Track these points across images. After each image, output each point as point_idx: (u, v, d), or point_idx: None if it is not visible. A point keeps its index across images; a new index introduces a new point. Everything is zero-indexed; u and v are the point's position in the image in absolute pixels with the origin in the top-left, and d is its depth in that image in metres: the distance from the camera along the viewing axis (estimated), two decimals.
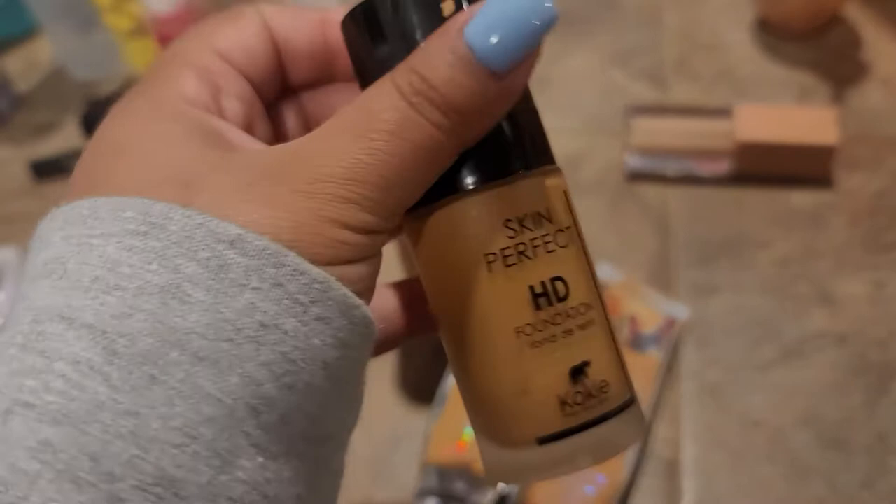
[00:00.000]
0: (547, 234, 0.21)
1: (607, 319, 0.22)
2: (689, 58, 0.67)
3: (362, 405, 0.22)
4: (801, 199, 0.56)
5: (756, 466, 0.43)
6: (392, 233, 0.20)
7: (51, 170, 0.64)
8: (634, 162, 0.58)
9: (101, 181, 0.19)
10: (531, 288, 0.21)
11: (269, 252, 0.17)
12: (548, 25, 0.19)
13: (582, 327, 0.21)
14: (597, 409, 0.21)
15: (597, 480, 0.41)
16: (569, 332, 0.21)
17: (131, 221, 0.17)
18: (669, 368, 0.47)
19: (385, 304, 0.25)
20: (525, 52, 0.19)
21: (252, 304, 0.17)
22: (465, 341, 0.22)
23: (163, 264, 0.17)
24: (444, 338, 0.23)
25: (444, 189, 0.21)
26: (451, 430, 0.43)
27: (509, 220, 0.21)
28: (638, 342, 0.47)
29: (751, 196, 0.56)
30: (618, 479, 0.41)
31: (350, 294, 0.18)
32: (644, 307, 0.49)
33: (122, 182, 0.18)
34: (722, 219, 0.55)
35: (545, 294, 0.21)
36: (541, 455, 0.22)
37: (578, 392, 0.21)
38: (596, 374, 0.21)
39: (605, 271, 0.50)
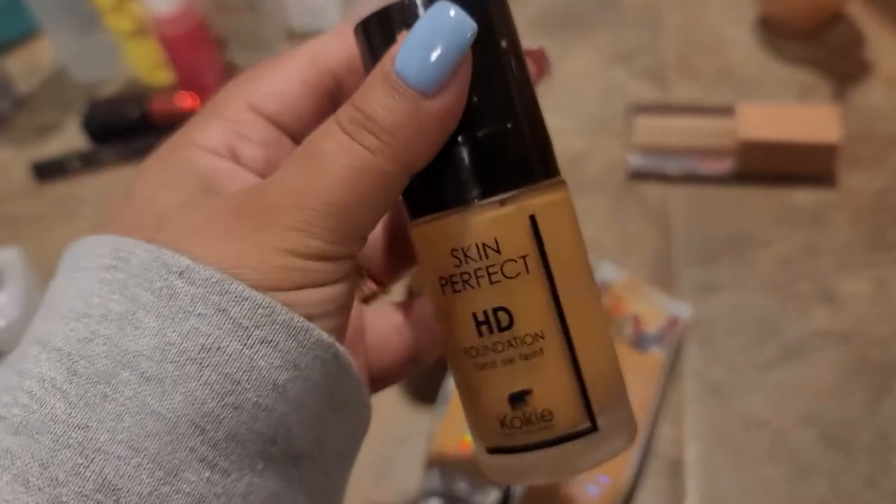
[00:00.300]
0: (493, 265, 0.21)
1: (570, 348, 0.22)
2: (690, 57, 0.67)
3: (362, 429, 0.23)
4: (803, 197, 0.56)
5: (759, 466, 0.43)
6: (353, 258, 0.21)
7: (52, 171, 0.64)
8: (636, 161, 0.58)
9: (110, 223, 0.21)
10: (474, 315, 0.22)
11: (213, 280, 0.18)
12: (467, 42, 0.20)
13: (525, 357, 0.21)
14: (537, 435, 0.22)
15: (600, 480, 0.41)
16: (510, 361, 0.22)
17: (105, 257, 0.19)
18: (672, 368, 0.47)
19: (385, 325, 0.26)
20: (449, 68, 0.20)
21: (196, 328, 0.18)
22: (444, 348, 0.24)
23: (124, 294, 0.18)
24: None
25: (417, 211, 0.22)
26: (455, 430, 0.43)
27: (455, 250, 0.21)
28: (640, 341, 0.47)
29: (753, 195, 0.56)
30: (621, 479, 0.41)
31: (298, 318, 0.19)
32: (647, 306, 0.49)
33: (119, 224, 0.20)
34: (724, 218, 0.55)
35: (487, 322, 0.22)
36: (494, 462, 0.23)
37: (516, 417, 0.22)
38: (538, 403, 0.22)
39: (607, 271, 0.50)
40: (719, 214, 0.55)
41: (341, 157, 0.19)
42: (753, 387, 0.46)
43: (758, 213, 0.55)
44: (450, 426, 0.44)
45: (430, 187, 0.22)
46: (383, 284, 0.28)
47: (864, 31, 0.66)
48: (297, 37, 0.75)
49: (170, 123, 0.64)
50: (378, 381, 0.25)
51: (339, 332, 0.21)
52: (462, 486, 0.41)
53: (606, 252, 0.53)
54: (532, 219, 0.21)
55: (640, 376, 0.45)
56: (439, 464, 0.42)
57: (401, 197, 0.23)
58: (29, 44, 0.79)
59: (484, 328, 0.21)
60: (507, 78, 0.22)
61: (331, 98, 0.24)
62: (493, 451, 0.23)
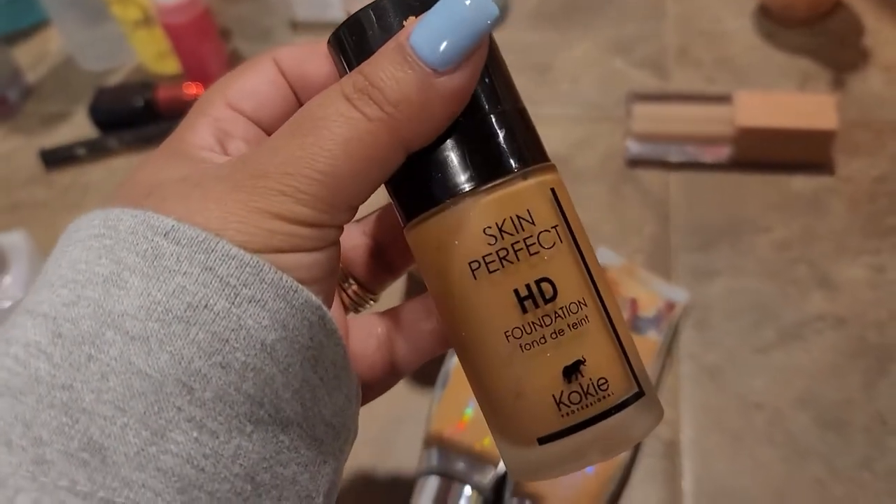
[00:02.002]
0: (529, 236, 0.21)
1: (607, 314, 0.22)
2: (690, 45, 0.68)
3: (353, 405, 0.22)
4: (801, 184, 0.56)
5: (755, 448, 0.44)
6: (340, 228, 0.21)
7: (58, 158, 0.65)
8: (635, 148, 0.58)
9: (104, 205, 0.21)
10: (516, 291, 0.21)
11: (199, 239, 0.18)
12: (490, 25, 0.20)
13: (574, 326, 0.21)
14: (596, 407, 0.21)
15: None
16: (559, 332, 0.21)
17: (95, 227, 0.19)
18: (668, 351, 0.48)
19: (366, 335, 0.26)
20: (466, 50, 0.20)
21: (182, 286, 0.18)
22: (464, 346, 0.23)
23: (110, 258, 0.18)
24: (451, 343, 0.24)
25: (427, 202, 0.22)
26: (453, 411, 0.44)
27: (488, 228, 0.21)
28: (637, 325, 0.47)
29: (751, 181, 0.57)
30: (617, 459, 0.42)
31: (287, 277, 0.19)
32: (644, 290, 0.49)
33: (114, 203, 0.20)
34: (722, 204, 0.56)
35: (531, 296, 0.21)
36: (545, 454, 0.22)
37: (574, 391, 0.21)
38: (592, 371, 0.21)
39: (605, 255, 0.51)
40: (717, 201, 0.56)
41: (338, 125, 0.19)
42: (750, 370, 0.47)
43: (756, 199, 0.55)
44: (448, 407, 0.44)
45: (447, 171, 0.21)
46: (371, 291, 0.28)
47: (863, 20, 0.67)
48: (302, 27, 0.75)
49: (174, 112, 0.65)
50: (362, 393, 0.25)
51: (325, 298, 0.20)
52: (460, 465, 0.41)
53: (605, 237, 0.54)
54: (553, 191, 0.22)
55: None
56: (437, 443, 0.43)
57: (392, 200, 0.23)
58: (38, 34, 0.80)
59: (528, 303, 0.21)
60: (502, 60, 0.23)
61: (300, 103, 0.25)
62: (546, 439, 0.22)
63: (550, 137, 0.67)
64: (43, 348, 0.17)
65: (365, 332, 0.25)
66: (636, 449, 0.44)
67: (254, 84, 0.24)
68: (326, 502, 0.21)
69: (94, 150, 0.64)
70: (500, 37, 0.23)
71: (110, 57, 0.74)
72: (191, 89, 0.66)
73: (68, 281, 0.18)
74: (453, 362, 0.46)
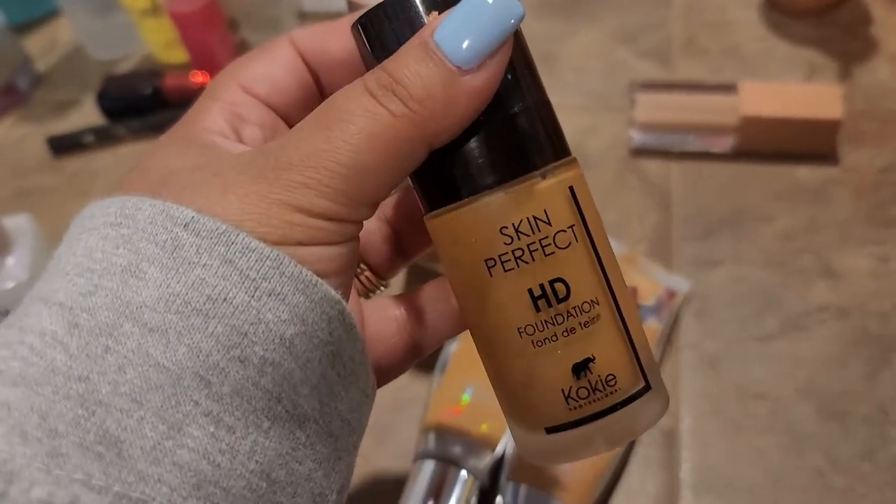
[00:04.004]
0: (545, 237, 0.21)
1: (619, 311, 0.22)
2: (696, 36, 0.67)
3: (367, 402, 0.22)
4: (805, 174, 0.56)
5: (755, 437, 0.44)
6: (360, 224, 0.21)
7: (66, 145, 0.65)
8: (639, 137, 0.58)
9: (117, 190, 0.21)
10: (530, 291, 0.21)
11: (219, 231, 0.18)
12: (514, 24, 0.20)
13: (585, 325, 0.22)
14: (603, 402, 0.22)
15: None
16: (570, 331, 0.22)
17: (111, 215, 0.19)
18: (669, 339, 0.48)
19: (383, 318, 0.25)
20: (491, 48, 0.20)
21: (202, 279, 0.18)
22: (479, 335, 0.23)
23: (128, 248, 0.18)
24: (468, 328, 0.24)
25: (446, 196, 0.22)
26: (450, 396, 0.44)
27: (504, 227, 0.21)
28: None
29: (755, 171, 0.56)
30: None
31: (307, 271, 0.19)
32: (644, 279, 0.49)
33: (126, 189, 0.20)
34: (725, 193, 0.55)
35: (544, 296, 0.21)
36: (553, 442, 0.23)
37: (582, 387, 0.22)
38: (601, 368, 0.22)
39: None
40: (721, 190, 0.55)
41: (363, 120, 0.19)
42: (751, 359, 0.47)
43: (760, 189, 0.55)
44: (445, 392, 0.44)
45: (467, 168, 0.21)
46: (382, 277, 0.28)
47: (871, 10, 0.66)
48: (308, 17, 0.75)
49: (182, 100, 0.65)
50: (379, 376, 0.25)
51: (343, 293, 0.20)
52: (456, 449, 0.41)
53: (607, 226, 0.52)
54: (571, 189, 0.22)
55: None
56: (435, 428, 0.43)
57: (414, 186, 0.23)
58: (48, 23, 0.81)
59: (541, 302, 0.21)
60: (529, 55, 0.22)
61: (318, 86, 0.24)
62: (553, 429, 0.22)
63: None
64: (59, 338, 0.17)
65: (383, 315, 0.25)
66: None
67: (269, 67, 0.23)
68: (339, 499, 0.21)
69: (102, 138, 0.65)
70: None
71: (119, 46, 0.75)
72: (198, 78, 0.66)
73: (84, 270, 0.18)
74: (452, 349, 0.46)
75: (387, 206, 0.27)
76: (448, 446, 0.42)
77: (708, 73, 0.64)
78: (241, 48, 0.74)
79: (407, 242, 0.27)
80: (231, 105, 0.23)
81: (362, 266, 0.27)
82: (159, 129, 0.65)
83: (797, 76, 0.62)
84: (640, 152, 0.58)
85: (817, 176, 0.55)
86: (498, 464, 0.42)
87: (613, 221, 0.55)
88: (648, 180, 0.57)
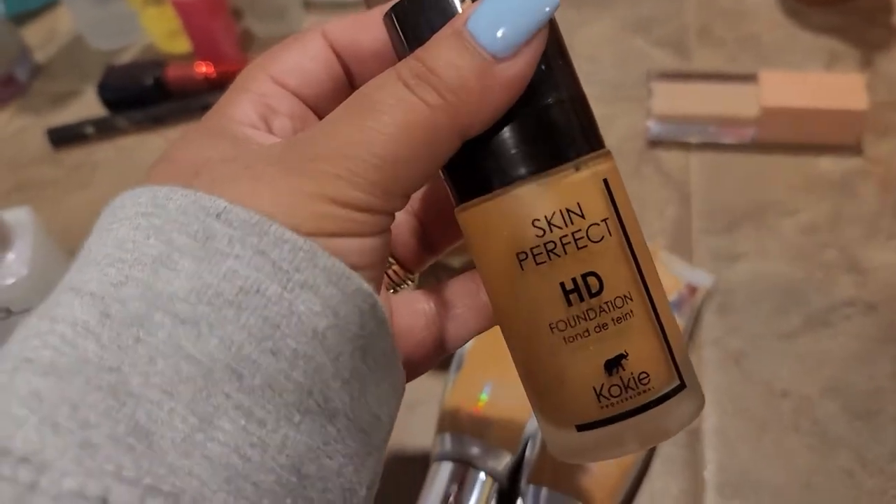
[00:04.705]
0: (578, 231, 0.21)
1: (653, 307, 0.22)
2: (712, 24, 0.66)
3: (396, 397, 0.22)
4: (828, 165, 0.54)
5: (781, 437, 0.42)
6: (392, 216, 0.21)
7: (67, 137, 0.64)
8: (656, 128, 0.56)
9: (147, 180, 0.20)
10: (562, 285, 0.21)
11: (252, 222, 0.18)
12: (549, 12, 0.20)
13: (617, 321, 0.21)
14: (635, 400, 0.21)
15: None
16: (603, 327, 0.21)
17: (142, 205, 0.19)
18: (691, 336, 0.46)
19: (411, 312, 0.25)
20: (526, 37, 0.20)
21: (234, 270, 0.18)
22: (509, 330, 0.23)
23: (159, 238, 0.18)
24: (498, 323, 0.24)
25: (478, 188, 0.21)
26: (467, 395, 0.42)
27: (537, 220, 0.21)
28: None
29: (776, 163, 0.55)
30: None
31: (340, 263, 0.18)
32: (666, 273, 0.47)
33: (157, 179, 0.20)
34: (746, 186, 0.54)
35: (576, 290, 0.21)
36: (583, 439, 0.22)
37: (615, 385, 0.21)
38: (634, 366, 0.21)
39: None
40: (741, 182, 0.54)
41: (397, 110, 0.19)
42: (776, 356, 0.45)
43: (781, 181, 0.54)
44: (462, 391, 0.43)
45: (500, 159, 0.21)
46: (410, 271, 0.27)
47: None
48: (314, 7, 0.74)
49: (185, 91, 0.64)
50: (407, 371, 0.24)
51: (375, 286, 0.20)
52: (474, 451, 0.40)
53: None
54: (605, 182, 0.21)
55: None
56: (451, 428, 0.41)
57: (445, 178, 0.23)
58: (47, 13, 0.80)
59: (574, 297, 0.21)
60: (564, 45, 0.22)
61: (349, 78, 0.24)
62: (584, 427, 0.22)
63: None
64: (91, 328, 0.17)
65: (412, 309, 0.25)
66: None
67: (299, 59, 0.23)
68: (368, 496, 0.21)
69: (103, 130, 0.63)
70: None
71: (120, 36, 0.73)
72: (201, 68, 0.65)
73: (115, 260, 0.18)
74: (468, 346, 0.45)
75: (415, 199, 0.27)
76: (466, 447, 0.40)
77: (725, 62, 0.62)
78: (246, 37, 0.72)
79: (435, 236, 0.27)
80: (261, 96, 0.22)
81: (390, 260, 0.27)
82: (161, 120, 0.63)
83: (817, 65, 0.61)
84: (657, 143, 0.57)
85: (841, 168, 0.54)
86: (517, 466, 0.41)
87: None
88: (666, 172, 0.55)
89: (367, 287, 0.19)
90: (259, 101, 0.22)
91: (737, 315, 0.47)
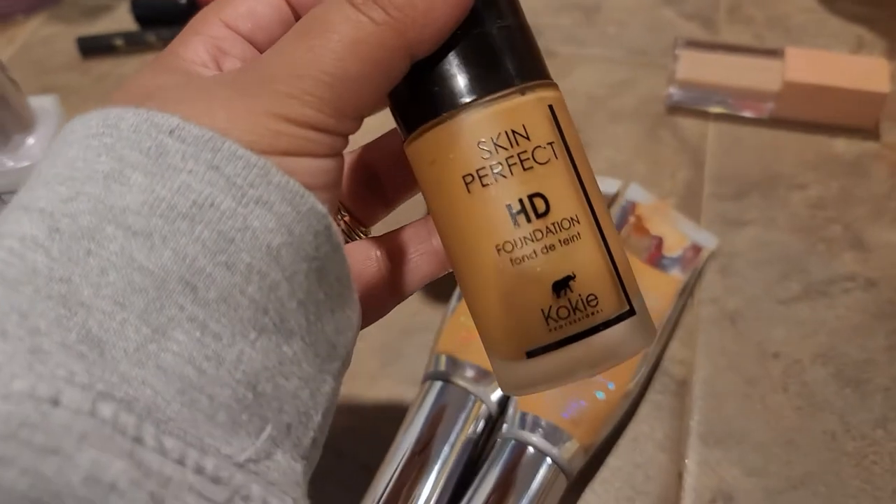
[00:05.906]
0: (524, 152, 0.21)
1: (601, 232, 0.22)
2: (742, 1, 0.66)
3: (352, 331, 0.22)
4: (843, 146, 0.55)
5: (768, 395, 0.43)
6: (346, 139, 0.21)
7: (96, 47, 0.64)
8: (677, 94, 0.57)
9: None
10: (508, 206, 0.21)
11: (205, 139, 0.18)
12: None
13: (565, 242, 0.21)
14: (584, 322, 0.22)
15: (607, 387, 0.41)
16: (550, 248, 0.21)
17: (93, 127, 0.19)
18: (691, 292, 0.47)
19: (363, 259, 0.25)
20: None
21: (187, 184, 0.17)
22: (457, 260, 0.23)
23: (111, 156, 0.18)
24: (448, 259, 0.24)
25: (425, 115, 0.22)
26: (465, 322, 0.43)
27: (482, 141, 0.21)
28: (661, 263, 0.47)
29: (792, 139, 0.55)
30: (625, 389, 0.41)
31: (294, 181, 0.19)
32: (672, 230, 0.48)
33: (110, 105, 0.20)
34: (759, 158, 0.54)
35: (523, 211, 0.21)
36: (533, 367, 0.22)
37: (563, 306, 0.21)
38: (582, 287, 0.22)
39: (635, 192, 0.50)
40: (755, 154, 0.55)
41: (345, 28, 0.19)
42: (772, 319, 0.46)
43: (795, 156, 0.54)
44: (460, 319, 0.43)
45: (445, 85, 0.21)
46: (363, 224, 0.28)
47: None
48: None
49: None
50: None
51: (330, 209, 0.20)
52: (467, 375, 0.41)
53: (637, 176, 0.53)
54: (551, 108, 0.22)
55: (656, 292, 0.45)
56: (446, 352, 0.42)
57: (394, 115, 0.23)
58: None
59: (521, 217, 0.21)
60: None
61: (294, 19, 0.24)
62: (533, 353, 0.22)
63: (590, 77, 0.65)
64: (40, 242, 0.17)
65: (363, 256, 0.25)
66: (646, 382, 0.43)
67: (251, 4, 0.24)
68: (323, 423, 0.21)
69: (132, 43, 0.64)
70: None
71: None
72: None
73: (66, 178, 0.18)
74: None
75: (365, 150, 0.27)
76: (458, 370, 0.41)
77: (752, 40, 0.63)
78: None
79: (386, 187, 0.27)
80: (213, 39, 0.23)
81: (342, 212, 0.27)
82: None
83: (843, 50, 0.61)
84: (676, 109, 0.57)
85: (855, 150, 0.54)
86: (507, 396, 0.41)
87: (644, 173, 0.54)
88: (683, 137, 0.56)
89: (322, 208, 0.19)
90: (211, 42, 0.23)
91: (737, 277, 0.48)
